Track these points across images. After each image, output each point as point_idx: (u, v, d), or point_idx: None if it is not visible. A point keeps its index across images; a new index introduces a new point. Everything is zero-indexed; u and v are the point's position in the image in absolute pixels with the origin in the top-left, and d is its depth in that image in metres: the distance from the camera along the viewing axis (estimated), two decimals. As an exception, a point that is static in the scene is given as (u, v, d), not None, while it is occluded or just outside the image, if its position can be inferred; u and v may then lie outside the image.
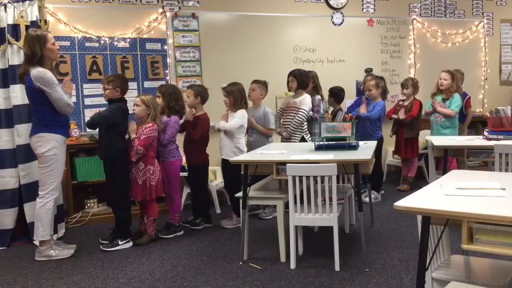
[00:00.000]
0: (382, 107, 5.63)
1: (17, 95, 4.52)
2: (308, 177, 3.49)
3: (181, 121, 4.79)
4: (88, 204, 5.34)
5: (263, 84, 5.21)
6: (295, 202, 3.58)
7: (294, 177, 3.52)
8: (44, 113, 3.96)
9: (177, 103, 4.66)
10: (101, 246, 4.29)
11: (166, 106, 4.62)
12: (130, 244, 4.34)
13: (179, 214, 4.74)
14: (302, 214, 3.60)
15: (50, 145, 3.96)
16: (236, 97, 4.79)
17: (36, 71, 3.86)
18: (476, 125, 6.95)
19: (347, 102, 6.29)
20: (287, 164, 3.53)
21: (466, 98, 6.11)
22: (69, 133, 4.46)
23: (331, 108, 5.82)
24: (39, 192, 4.04)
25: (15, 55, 4.53)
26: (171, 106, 4.62)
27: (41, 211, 3.99)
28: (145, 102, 4.35)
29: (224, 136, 4.84)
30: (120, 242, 4.29)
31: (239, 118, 4.73)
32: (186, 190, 5.50)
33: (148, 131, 4.32)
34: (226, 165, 4.78)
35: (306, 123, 5.14)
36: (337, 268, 3.53)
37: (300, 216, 3.60)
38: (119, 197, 4.35)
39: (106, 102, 4.45)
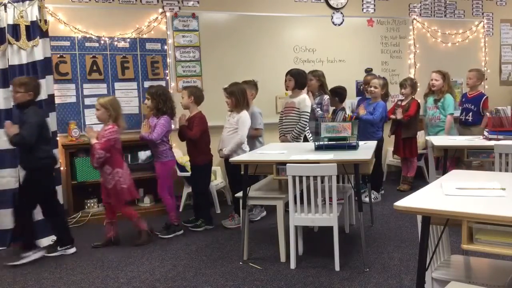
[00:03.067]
0: (383, 108, 5.61)
1: None
2: (308, 177, 3.49)
3: (176, 126, 4.78)
4: (88, 204, 5.34)
5: (252, 84, 5.20)
6: (295, 202, 3.58)
7: (294, 177, 3.52)
8: None
9: (166, 104, 4.63)
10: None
11: (155, 107, 4.62)
12: (73, 250, 4.24)
13: (174, 213, 4.72)
14: (302, 214, 3.60)
15: None
16: (238, 97, 4.77)
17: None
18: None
19: (347, 102, 6.28)
20: (287, 164, 3.53)
21: (484, 98, 5.95)
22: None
23: (332, 108, 5.82)
24: None
25: (15, 55, 4.53)
26: (159, 108, 4.60)
27: None
28: (103, 105, 4.24)
29: (226, 137, 4.82)
30: (59, 248, 4.19)
31: (243, 123, 4.72)
32: (187, 190, 5.50)
33: (108, 133, 4.20)
34: (227, 165, 4.79)
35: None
36: (337, 268, 3.53)
37: (300, 216, 3.60)
38: (51, 206, 4.21)
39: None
